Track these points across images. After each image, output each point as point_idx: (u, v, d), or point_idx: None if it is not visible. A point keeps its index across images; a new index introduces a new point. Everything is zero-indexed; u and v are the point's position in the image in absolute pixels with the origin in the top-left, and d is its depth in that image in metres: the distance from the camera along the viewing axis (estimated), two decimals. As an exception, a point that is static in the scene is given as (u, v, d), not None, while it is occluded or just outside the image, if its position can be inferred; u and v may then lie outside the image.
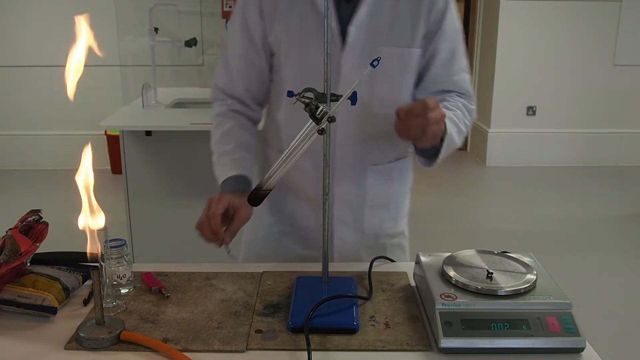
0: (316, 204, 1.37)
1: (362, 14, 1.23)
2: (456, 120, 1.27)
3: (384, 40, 1.25)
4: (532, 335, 0.94)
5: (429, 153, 1.26)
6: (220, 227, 1.21)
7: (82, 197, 0.94)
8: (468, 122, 1.33)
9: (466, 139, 6.17)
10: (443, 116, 1.14)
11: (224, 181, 1.31)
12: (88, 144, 0.94)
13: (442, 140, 1.20)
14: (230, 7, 4.80)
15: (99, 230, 0.96)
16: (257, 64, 1.35)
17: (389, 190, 1.41)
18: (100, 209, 0.96)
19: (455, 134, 1.25)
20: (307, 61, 1.27)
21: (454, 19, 1.30)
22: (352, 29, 1.23)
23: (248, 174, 1.33)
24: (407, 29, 1.25)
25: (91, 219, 0.95)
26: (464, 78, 1.35)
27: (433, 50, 1.30)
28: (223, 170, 1.33)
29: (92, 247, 0.96)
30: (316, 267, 1.21)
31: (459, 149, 6.12)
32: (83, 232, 0.96)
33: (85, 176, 0.94)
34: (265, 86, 1.39)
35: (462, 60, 1.34)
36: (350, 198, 1.37)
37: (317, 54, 1.19)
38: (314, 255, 1.35)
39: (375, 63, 0.99)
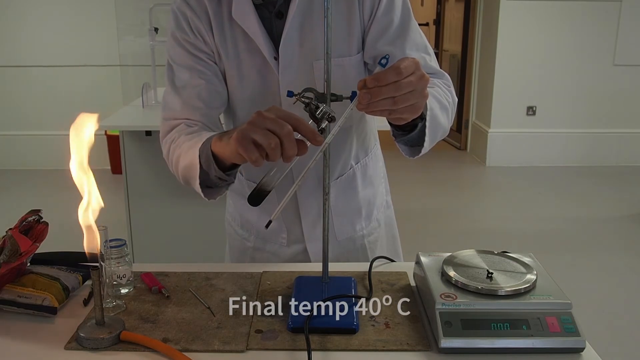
0: (285, 221, 1.37)
1: (291, 30, 1.16)
2: (437, 96, 1.11)
3: (320, 54, 1.12)
4: (532, 335, 0.94)
5: (413, 140, 1.09)
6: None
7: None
8: (451, 101, 1.16)
9: (466, 139, 6.16)
10: (426, 81, 0.88)
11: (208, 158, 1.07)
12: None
13: (423, 119, 1.03)
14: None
15: (99, 228, 0.96)
16: (218, 88, 1.23)
17: (355, 197, 1.36)
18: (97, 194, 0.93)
19: (438, 111, 1.08)
20: (251, 81, 1.21)
21: (392, 4, 1.17)
22: (283, 46, 1.17)
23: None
24: (342, 38, 1.17)
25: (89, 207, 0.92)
26: (426, 58, 1.20)
27: (377, 36, 1.17)
28: (195, 153, 1.10)
29: (89, 239, 0.95)
30: (316, 267, 1.21)
31: (459, 149, 6.17)
32: (82, 225, 0.94)
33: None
34: (223, 108, 1.28)
35: (417, 38, 1.20)
36: (317, 215, 1.33)
37: (256, 74, 1.18)
38: None
39: (383, 62, 0.92)
